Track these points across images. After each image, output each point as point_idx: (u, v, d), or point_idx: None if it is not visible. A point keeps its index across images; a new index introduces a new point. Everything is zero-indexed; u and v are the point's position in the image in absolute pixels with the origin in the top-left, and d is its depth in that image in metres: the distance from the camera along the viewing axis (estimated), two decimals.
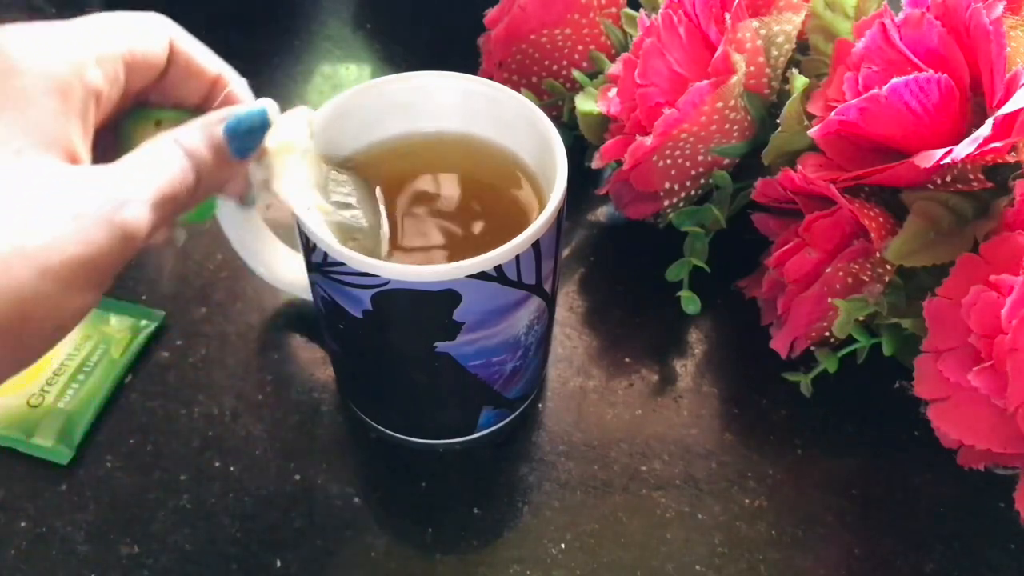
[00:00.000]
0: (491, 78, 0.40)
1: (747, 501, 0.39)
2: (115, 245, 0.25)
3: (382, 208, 0.36)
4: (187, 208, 0.29)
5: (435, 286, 0.32)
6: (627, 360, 0.44)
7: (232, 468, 0.40)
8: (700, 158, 0.43)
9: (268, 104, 0.30)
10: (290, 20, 0.60)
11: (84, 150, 0.27)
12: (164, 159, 0.27)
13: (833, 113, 0.37)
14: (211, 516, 0.38)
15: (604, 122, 0.45)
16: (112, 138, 0.30)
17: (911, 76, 0.35)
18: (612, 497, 0.39)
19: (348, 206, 0.35)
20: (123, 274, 0.46)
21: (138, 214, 0.26)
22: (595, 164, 0.44)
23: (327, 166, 0.35)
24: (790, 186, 0.39)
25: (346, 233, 0.34)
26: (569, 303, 0.46)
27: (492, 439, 0.41)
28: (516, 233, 0.33)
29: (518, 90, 0.38)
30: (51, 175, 0.25)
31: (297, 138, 0.31)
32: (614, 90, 0.44)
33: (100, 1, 0.62)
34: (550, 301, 0.37)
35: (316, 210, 0.33)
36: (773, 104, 0.43)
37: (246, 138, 0.29)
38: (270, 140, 0.30)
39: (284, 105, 0.31)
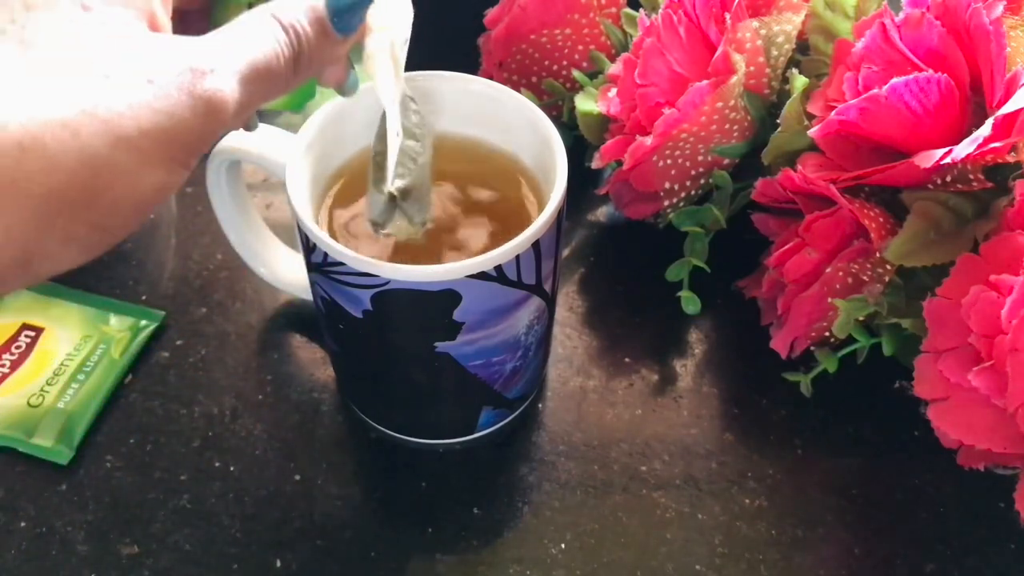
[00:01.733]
0: (491, 78, 0.40)
1: (747, 501, 0.39)
2: (198, 119, 0.23)
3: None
4: (285, 89, 0.26)
5: (435, 286, 0.32)
6: (627, 360, 0.44)
7: (232, 468, 0.40)
8: (700, 158, 0.43)
9: None
10: None
11: (165, 18, 0.25)
12: (258, 31, 0.25)
13: (833, 113, 0.37)
14: (211, 516, 0.38)
15: (604, 122, 0.45)
16: (203, 24, 0.28)
17: (911, 76, 0.35)
18: (612, 497, 0.39)
19: (413, 136, 0.32)
20: (123, 273, 0.46)
21: (224, 85, 0.23)
22: (595, 164, 0.44)
23: (407, 88, 0.33)
24: (790, 186, 0.39)
25: (399, 159, 0.32)
26: (569, 303, 0.46)
27: (492, 439, 0.41)
28: (516, 233, 0.33)
29: (518, 90, 0.38)
30: (126, 34, 0.23)
31: (399, 19, 0.29)
32: (614, 90, 0.44)
33: None
34: (550, 301, 0.37)
35: (399, 110, 0.31)
36: (773, 104, 0.43)
37: (348, 13, 0.27)
38: (372, 18, 0.28)
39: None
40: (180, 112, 0.22)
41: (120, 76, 0.22)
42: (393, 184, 0.31)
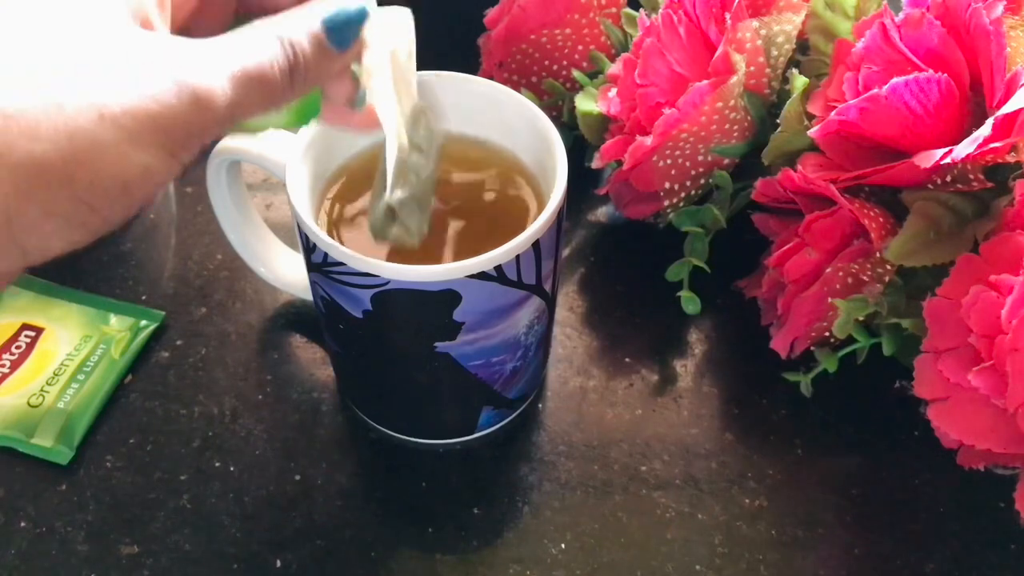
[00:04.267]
0: (491, 78, 0.40)
1: (747, 501, 0.39)
2: (185, 108, 0.23)
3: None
4: (282, 98, 0.27)
5: (435, 286, 0.32)
6: (627, 360, 0.44)
7: (232, 468, 0.40)
8: (700, 158, 0.43)
9: None
10: None
11: (160, 23, 0.25)
12: (252, 40, 0.26)
13: (833, 113, 0.37)
14: (211, 516, 0.38)
15: (604, 122, 0.45)
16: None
17: (911, 76, 0.35)
18: (612, 497, 0.39)
19: (419, 149, 0.33)
20: (123, 273, 0.46)
21: (212, 78, 0.24)
22: (595, 164, 0.44)
23: (420, 101, 0.34)
24: (790, 186, 0.39)
25: (400, 171, 0.33)
26: (569, 303, 0.46)
27: (492, 439, 0.41)
28: (516, 233, 0.33)
29: (518, 90, 0.38)
30: (113, 26, 0.23)
31: (397, 34, 0.30)
32: (614, 90, 0.44)
33: None
34: (550, 301, 0.37)
35: (399, 126, 0.32)
36: (773, 104, 0.43)
37: (344, 28, 0.28)
38: (369, 32, 0.29)
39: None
40: (165, 98, 0.23)
41: (108, 61, 0.23)
42: (392, 197, 0.31)
